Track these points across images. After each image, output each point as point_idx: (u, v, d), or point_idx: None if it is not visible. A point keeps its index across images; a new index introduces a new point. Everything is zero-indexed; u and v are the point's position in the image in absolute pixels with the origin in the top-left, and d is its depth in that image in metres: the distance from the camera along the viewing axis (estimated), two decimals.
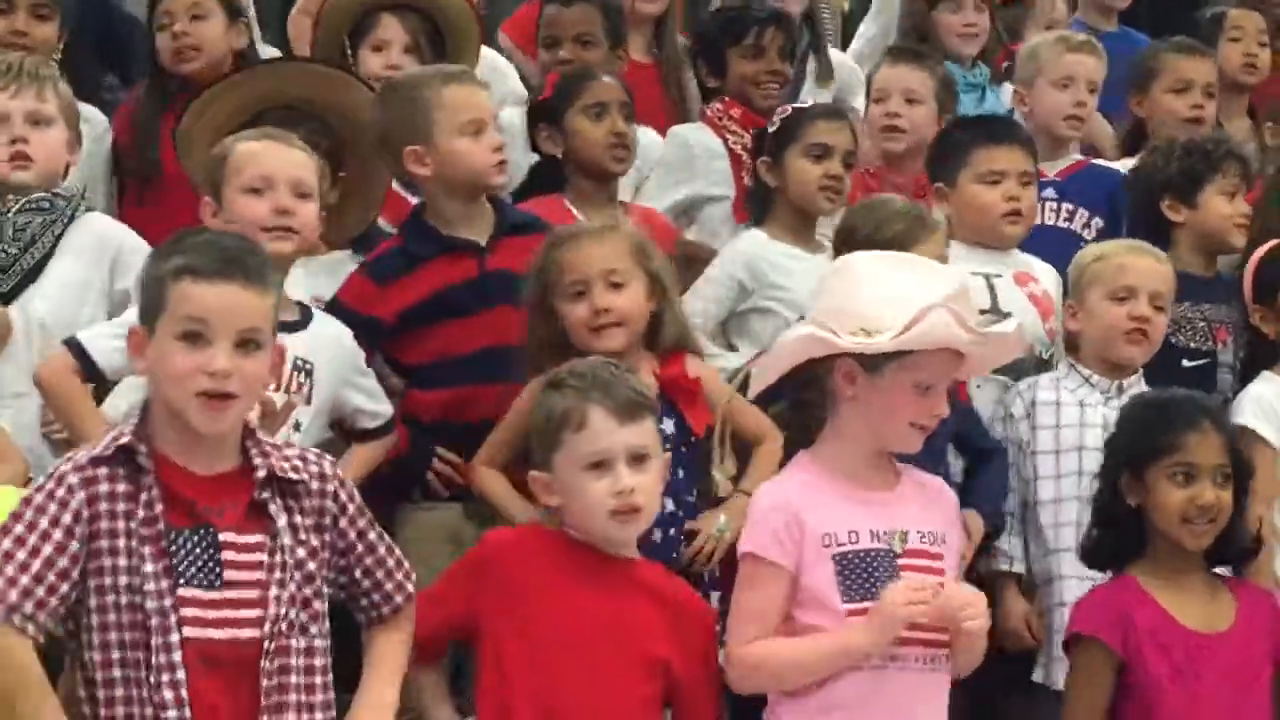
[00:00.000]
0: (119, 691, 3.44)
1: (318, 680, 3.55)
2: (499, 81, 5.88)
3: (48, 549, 3.40)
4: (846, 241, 4.63)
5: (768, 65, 5.87)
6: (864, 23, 7.05)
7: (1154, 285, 4.84)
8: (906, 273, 3.92)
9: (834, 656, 3.80)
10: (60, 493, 3.44)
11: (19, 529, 3.42)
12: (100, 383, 4.39)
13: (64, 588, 3.40)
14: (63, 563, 3.40)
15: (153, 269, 3.61)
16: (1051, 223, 5.75)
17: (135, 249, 4.73)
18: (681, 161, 5.77)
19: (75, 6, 5.81)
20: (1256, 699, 4.07)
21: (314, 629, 3.56)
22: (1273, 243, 5.14)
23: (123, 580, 3.43)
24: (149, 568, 3.42)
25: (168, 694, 3.40)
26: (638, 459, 3.85)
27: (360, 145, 4.97)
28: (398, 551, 3.78)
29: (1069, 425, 4.76)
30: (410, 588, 3.77)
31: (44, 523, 3.41)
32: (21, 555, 3.39)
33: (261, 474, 3.54)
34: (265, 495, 3.53)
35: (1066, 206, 5.83)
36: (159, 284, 3.55)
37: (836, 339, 3.82)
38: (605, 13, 5.98)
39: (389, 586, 3.73)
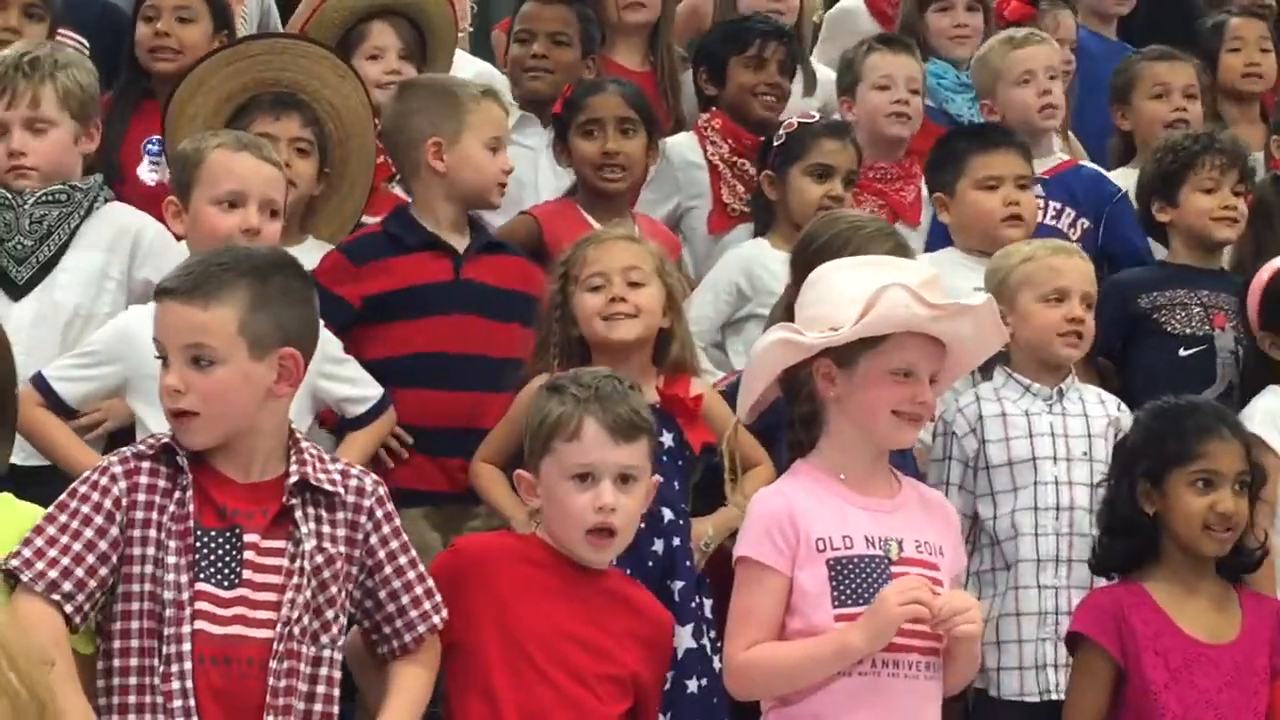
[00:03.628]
0: (132, 680, 3.51)
1: (320, 690, 3.57)
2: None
3: (89, 532, 3.51)
4: (805, 250, 4.55)
5: (768, 78, 5.85)
6: (818, 47, 6.91)
7: (1084, 286, 4.78)
8: (872, 270, 3.89)
9: (830, 658, 3.73)
10: (103, 481, 3.55)
11: (63, 516, 3.53)
12: (70, 416, 4.40)
13: (103, 571, 3.50)
14: (102, 546, 3.50)
15: None
16: (1039, 220, 5.71)
17: (156, 237, 4.73)
18: (665, 174, 5.73)
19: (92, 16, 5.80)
20: (1255, 711, 4.06)
21: (325, 639, 3.58)
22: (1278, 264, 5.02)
23: (148, 570, 3.52)
24: (171, 560, 3.50)
25: (175, 684, 3.47)
26: (624, 479, 3.82)
27: (349, 141, 5.03)
28: (430, 583, 3.74)
29: (1019, 437, 4.64)
30: (436, 621, 3.73)
31: (86, 509, 3.52)
32: (64, 539, 3.50)
33: (293, 480, 3.59)
34: (294, 502, 3.58)
35: (1054, 205, 5.84)
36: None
37: (802, 338, 3.81)
38: (581, 19, 5.96)
39: (413, 614, 3.71)
